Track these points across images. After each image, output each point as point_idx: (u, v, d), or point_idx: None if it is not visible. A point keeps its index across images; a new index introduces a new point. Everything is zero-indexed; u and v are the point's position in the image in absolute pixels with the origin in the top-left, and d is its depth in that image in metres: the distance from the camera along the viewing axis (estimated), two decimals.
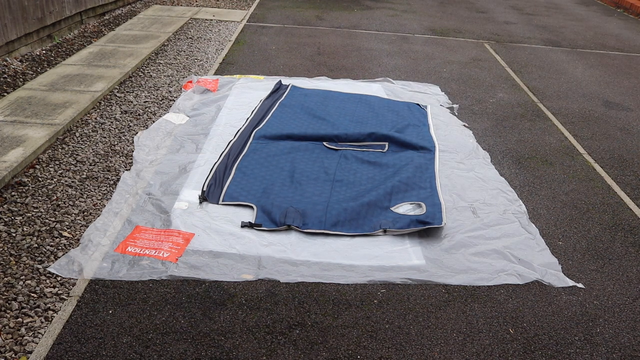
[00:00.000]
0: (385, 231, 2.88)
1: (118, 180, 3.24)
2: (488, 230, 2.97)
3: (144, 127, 3.98)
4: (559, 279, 2.64)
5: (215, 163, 3.43)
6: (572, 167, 3.86)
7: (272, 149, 3.66)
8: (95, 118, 4.05)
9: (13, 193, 3.02)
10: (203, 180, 3.25)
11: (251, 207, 3.02)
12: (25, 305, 2.26)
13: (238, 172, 3.36)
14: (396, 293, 2.48)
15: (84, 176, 3.27)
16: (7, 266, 2.47)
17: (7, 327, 2.14)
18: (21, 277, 2.41)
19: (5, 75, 4.60)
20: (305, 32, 7.00)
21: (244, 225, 2.86)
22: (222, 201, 3.06)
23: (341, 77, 5.34)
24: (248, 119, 4.12)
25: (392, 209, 3.07)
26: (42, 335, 2.11)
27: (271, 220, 2.90)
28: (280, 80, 4.92)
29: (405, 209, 3.10)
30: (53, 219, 2.83)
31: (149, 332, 2.16)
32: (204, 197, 3.07)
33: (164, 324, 2.20)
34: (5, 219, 2.79)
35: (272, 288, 2.45)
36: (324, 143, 3.82)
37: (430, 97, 4.93)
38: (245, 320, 2.25)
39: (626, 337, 2.32)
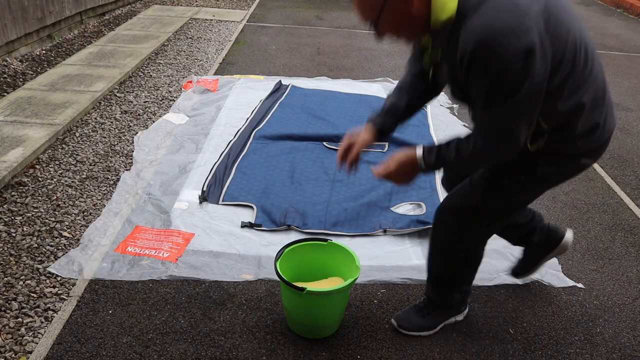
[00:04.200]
0: (385, 231, 2.88)
1: (118, 180, 3.24)
2: None
3: (144, 127, 3.98)
4: (559, 279, 2.64)
5: (215, 163, 3.43)
6: None
7: (272, 149, 3.66)
8: (95, 118, 4.05)
9: (13, 193, 3.02)
10: (203, 180, 3.25)
11: (251, 207, 3.02)
12: (25, 305, 2.26)
13: (238, 172, 3.36)
14: (396, 293, 2.48)
15: (84, 176, 3.27)
16: (7, 266, 2.47)
17: (7, 327, 2.14)
18: (21, 277, 2.41)
19: (5, 75, 4.60)
20: (305, 32, 7.00)
21: (244, 225, 2.86)
22: (222, 201, 3.06)
23: (341, 77, 5.35)
24: (248, 119, 4.12)
25: (392, 209, 3.07)
26: (42, 335, 2.11)
27: (271, 220, 2.90)
28: (280, 80, 4.92)
29: (405, 209, 3.10)
30: (53, 219, 2.83)
31: (149, 332, 2.16)
32: (204, 197, 3.07)
33: (164, 324, 2.20)
34: (5, 219, 2.79)
35: (272, 288, 2.45)
36: (324, 143, 3.82)
37: None
38: (245, 320, 2.25)
39: (626, 337, 2.32)
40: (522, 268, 2.51)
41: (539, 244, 2.41)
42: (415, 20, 1.54)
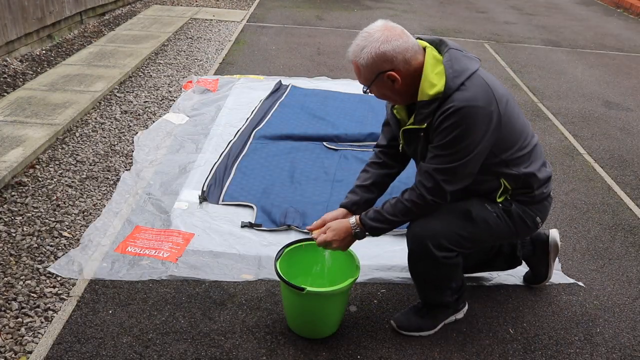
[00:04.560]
0: None
1: (118, 180, 3.24)
2: None
3: (144, 127, 3.98)
4: (559, 278, 2.64)
5: (215, 163, 3.43)
6: (572, 167, 3.86)
7: (272, 149, 3.66)
8: (95, 118, 4.05)
9: (13, 193, 3.02)
10: (203, 180, 3.25)
11: (251, 207, 3.02)
12: (25, 305, 2.26)
13: (238, 172, 3.36)
14: (396, 293, 2.48)
15: (84, 176, 3.27)
16: (7, 266, 2.47)
17: (7, 327, 2.14)
18: (21, 277, 2.41)
19: (5, 75, 4.60)
20: (305, 32, 7.00)
21: (244, 225, 2.86)
22: (222, 201, 3.06)
23: (341, 77, 5.35)
24: (248, 119, 4.12)
25: None
26: (42, 335, 2.11)
27: (271, 220, 2.90)
28: (280, 80, 4.92)
29: None
30: (53, 219, 2.83)
31: (149, 332, 2.16)
32: (204, 197, 3.07)
33: (164, 324, 2.20)
34: (5, 219, 2.79)
35: (272, 288, 2.45)
36: (324, 143, 3.82)
37: None
38: (245, 320, 2.25)
39: (626, 337, 2.32)
40: (534, 277, 2.56)
41: (530, 254, 2.49)
42: (400, 93, 1.89)
